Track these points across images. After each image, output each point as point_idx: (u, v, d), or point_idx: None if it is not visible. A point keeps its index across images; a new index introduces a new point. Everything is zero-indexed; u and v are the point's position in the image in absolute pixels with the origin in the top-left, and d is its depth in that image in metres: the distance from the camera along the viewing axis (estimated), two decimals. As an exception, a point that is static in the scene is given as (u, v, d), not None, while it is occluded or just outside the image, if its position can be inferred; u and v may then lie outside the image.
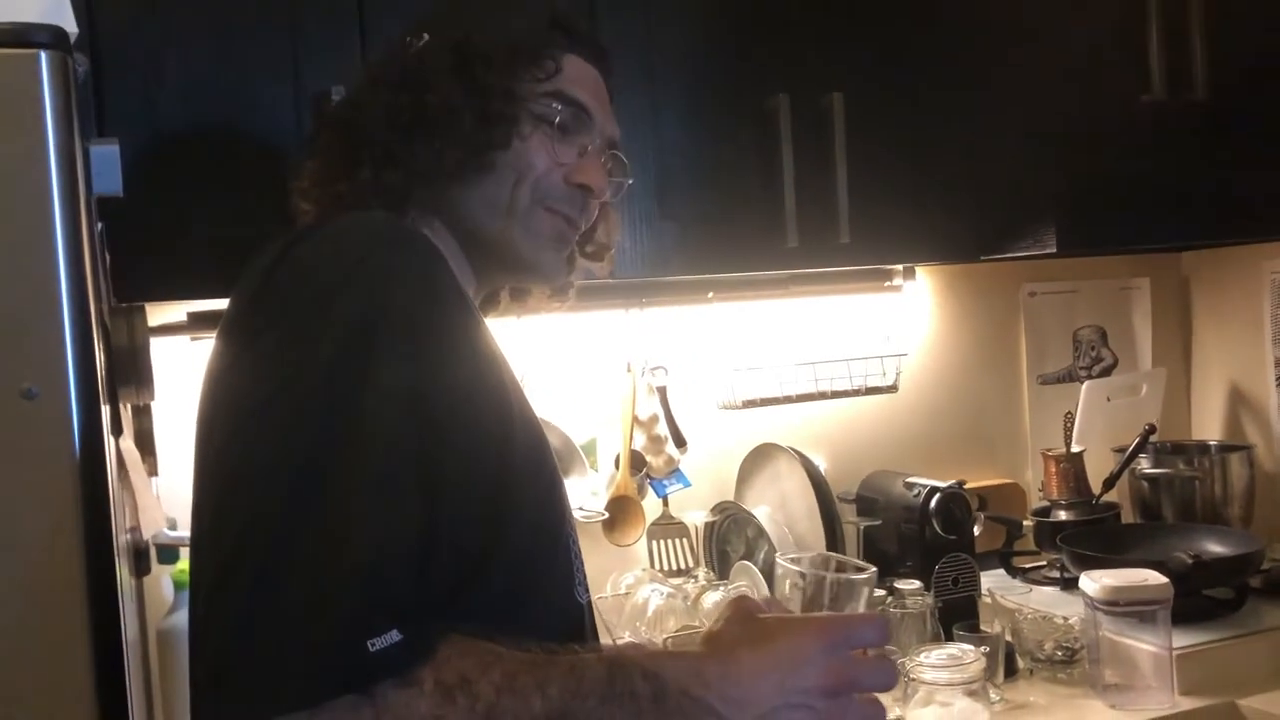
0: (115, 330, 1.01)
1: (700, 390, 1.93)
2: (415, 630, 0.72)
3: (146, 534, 1.16)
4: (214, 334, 0.87)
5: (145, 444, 1.29)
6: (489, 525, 0.81)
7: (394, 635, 0.71)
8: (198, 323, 1.52)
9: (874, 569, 0.95)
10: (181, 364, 1.48)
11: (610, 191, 1.08)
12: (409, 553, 0.75)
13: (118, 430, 1.01)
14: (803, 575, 0.94)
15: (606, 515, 1.80)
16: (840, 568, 0.95)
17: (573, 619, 0.92)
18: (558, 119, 1.01)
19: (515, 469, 0.84)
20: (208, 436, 0.83)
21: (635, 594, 1.75)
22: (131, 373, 0.99)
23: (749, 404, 1.90)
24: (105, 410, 0.90)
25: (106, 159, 0.88)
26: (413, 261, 0.83)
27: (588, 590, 0.97)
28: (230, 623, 0.72)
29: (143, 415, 1.30)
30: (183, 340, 1.52)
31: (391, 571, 0.73)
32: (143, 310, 1.07)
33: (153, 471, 1.30)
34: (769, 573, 1.72)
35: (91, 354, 0.86)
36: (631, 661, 0.78)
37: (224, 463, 0.79)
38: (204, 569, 0.78)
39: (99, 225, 1.02)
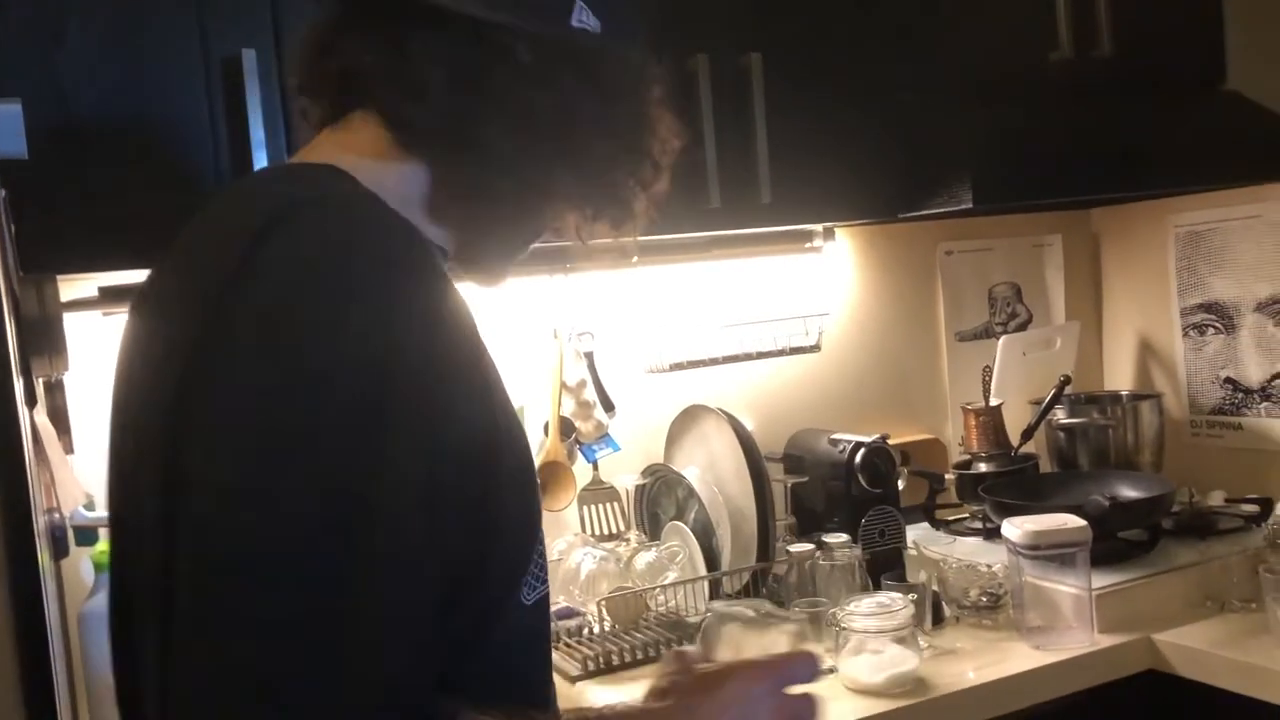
0: (25, 299, 0.97)
1: (627, 355, 1.94)
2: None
3: (65, 513, 1.13)
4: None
5: (60, 421, 1.25)
6: (478, 557, 0.77)
7: None
8: (109, 298, 1.47)
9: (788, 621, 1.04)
10: (94, 339, 1.44)
11: None
12: (426, 639, 0.70)
13: (32, 402, 0.98)
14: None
15: (538, 481, 1.79)
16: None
17: (536, 614, 0.88)
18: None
19: (504, 487, 0.79)
20: (166, 436, 0.72)
21: (568, 559, 1.75)
22: (45, 343, 0.96)
23: (676, 367, 1.92)
24: (19, 382, 0.87)
25: (8, 118, 0.85)
26: (422, 290, 0.74)
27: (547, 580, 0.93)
28: (222, 683, 0.65)
29: (56, 391, 1.26)
30: (94, 315, 1.48)
31: (412, 670, 0.69)
32: (53, 279, 1.03)
33: (68, 449, 1.26)
34: (700, 532, 1.74)
35: (1, 321, 0.83)
36: None
37: (216, 488, 0.69)
38: (154, 588, 0.69)
39: (2, 192, 0.99)
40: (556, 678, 0.97)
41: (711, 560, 1.72)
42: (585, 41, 0.91)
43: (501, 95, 0.87)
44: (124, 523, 0.86)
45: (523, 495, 0.82)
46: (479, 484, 0.75)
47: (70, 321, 1.36)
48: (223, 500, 0.68)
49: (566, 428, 1.85)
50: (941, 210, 1.75)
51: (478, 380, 0.76)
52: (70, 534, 1.30)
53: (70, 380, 1.34)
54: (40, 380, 1.16)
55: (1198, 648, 1.56)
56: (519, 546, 0.82)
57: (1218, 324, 2.17)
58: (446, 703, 0.73)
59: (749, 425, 1.86)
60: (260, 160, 1.31)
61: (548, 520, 1.83)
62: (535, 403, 1.85)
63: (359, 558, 0.67)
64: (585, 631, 1.67)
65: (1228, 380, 2.16)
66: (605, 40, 0.92)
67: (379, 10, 0.87)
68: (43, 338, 0.98)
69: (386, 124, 0.87)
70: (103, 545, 1.45)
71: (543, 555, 0.86)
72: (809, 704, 0.85)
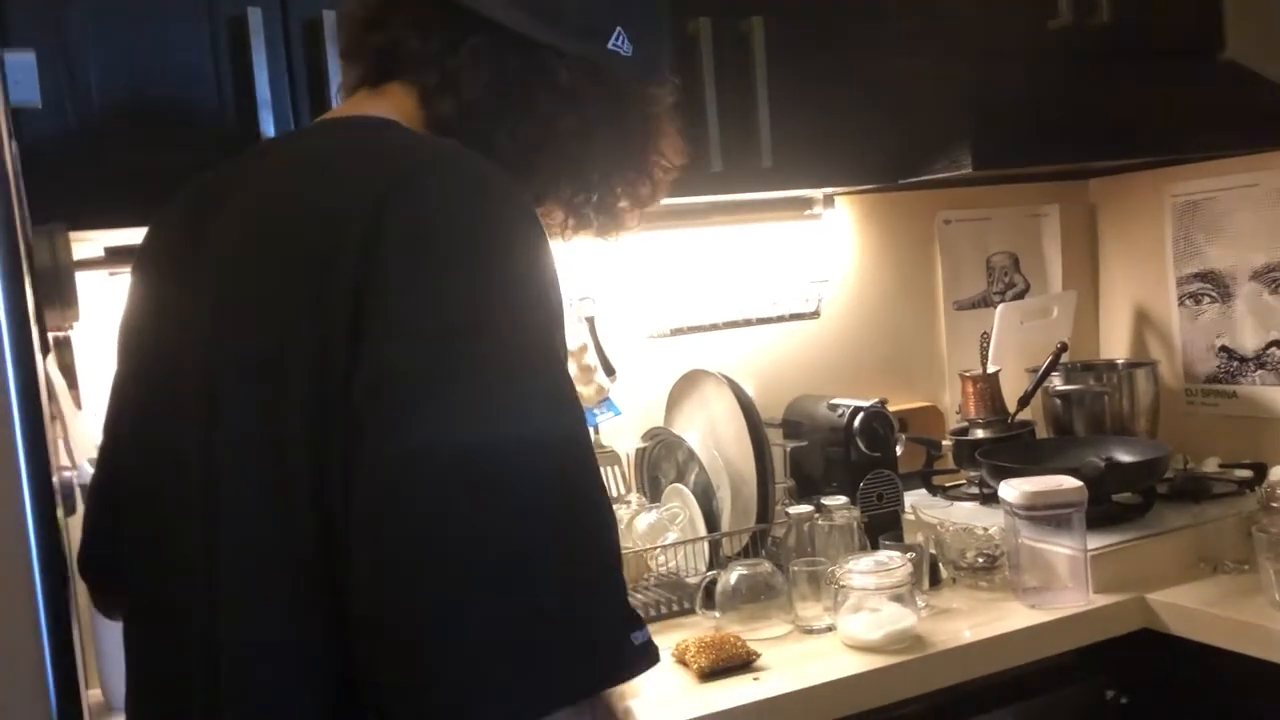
0: (38, 249, 0.98)
1: (628, 319, 1.95)
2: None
3: (75, 467, 1.14)
4: None
5: (68, 376, 1.26)
6: None
7: (645, 633, 0.77)
8: (116, 257, 1.48)
9: None
10: (101, 298, 1.45)
11: None
12: None
13: (45, 350, 0.99)
14: None
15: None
16: None
17: None
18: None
19: None
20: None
21: (569, 521, 1.76)
22: (56, 293, 0.97)
23: (677, 332, 1.93)
24: (34, 331, 0.87)
25: (23, 67, 0.85)
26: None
27: None
28: (479, 619, 0.70)
29: (64, 348, 1.27)
30: (101, 274, 1.49)
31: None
32: (64, 230, 1.04)
33: (77, 404, 1.27)
34: (700, 494, 1.76)
35: (19, 270, 0.83)
36: None
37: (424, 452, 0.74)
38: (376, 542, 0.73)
39: (13, 144, 0.99)
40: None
41: (711, 522, 1.74)
42: (616, 66, 0.97)
43: (531, 108, 0.94)
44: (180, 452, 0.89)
45: None
46: None
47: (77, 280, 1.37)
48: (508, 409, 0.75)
49: (568, 392, 1.86)
50: (941, 176, 1.76)
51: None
52: (77, 490, 1.31)
53: (76, 337, 1.35)
54: (50, 334, 1.17)
55: (1191, 607, 1.58)
56: None
57: (1213, 293, 2.18)
58: None
59: (749, 390, 1.87)
60: (266, 119, 1.32)
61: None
62: (537, 367, 1.86)
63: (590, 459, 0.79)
64: (587, 591, 1.68)
65: (1223, 348, 2.18)
66: (634, 65, 0.98)
67: (441, 6, 0.94)
68: (54, 288, 0.99)
69: (421, 103, 0.94)
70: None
71: None
72: None
